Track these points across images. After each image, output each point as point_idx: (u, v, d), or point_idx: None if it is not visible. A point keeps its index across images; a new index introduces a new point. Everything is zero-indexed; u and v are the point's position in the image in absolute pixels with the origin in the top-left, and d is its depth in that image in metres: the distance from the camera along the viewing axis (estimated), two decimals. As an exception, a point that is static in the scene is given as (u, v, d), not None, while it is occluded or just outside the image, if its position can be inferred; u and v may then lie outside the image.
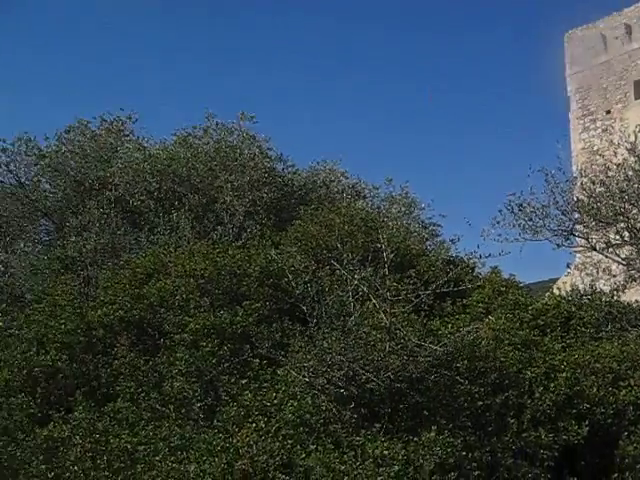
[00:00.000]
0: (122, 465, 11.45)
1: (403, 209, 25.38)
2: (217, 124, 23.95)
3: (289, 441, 12.03)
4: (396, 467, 11.81)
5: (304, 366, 13.31)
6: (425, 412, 13.33)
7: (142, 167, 22.37)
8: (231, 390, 13.69)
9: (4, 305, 19.84)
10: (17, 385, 14.73)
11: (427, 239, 24.52)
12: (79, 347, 15.34)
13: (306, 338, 14.49)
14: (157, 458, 11.52)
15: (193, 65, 52.11)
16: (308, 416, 12.75)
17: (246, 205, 21.27)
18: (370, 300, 14.35)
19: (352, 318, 14.13)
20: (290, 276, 15.79)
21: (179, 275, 16.15)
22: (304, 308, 15.41)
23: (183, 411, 13.49)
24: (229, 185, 21.67)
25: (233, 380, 13.90)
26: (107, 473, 11.26)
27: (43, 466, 11.71)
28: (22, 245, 22.44)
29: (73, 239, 20.32)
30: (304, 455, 11.90)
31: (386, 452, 12.05)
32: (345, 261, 15.14)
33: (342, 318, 14.37)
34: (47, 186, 23.95)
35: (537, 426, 13.66)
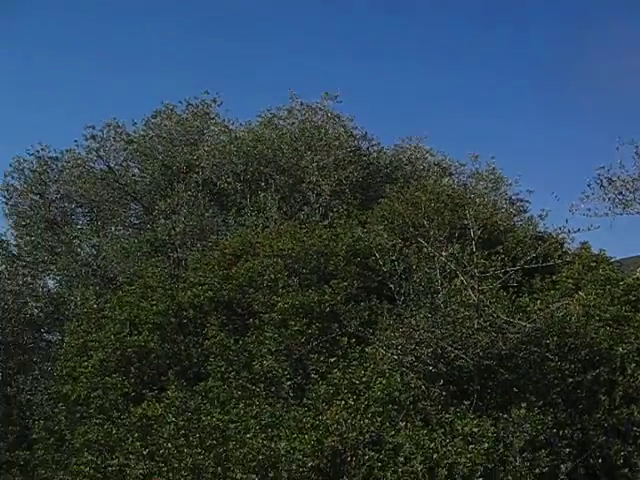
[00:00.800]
0: (214, 442, 11.62)
1: (490, 185, 25.04)
2: (301, 104, 23.93)
3: (378, 418, 12.06)
4: (486, 444, 11.74)
5: (392, 344, 13.30)
6: (514, 389, 13.21)
7: (228, 149, 22.55)
8: (320, 368, 13.76)
9: (97, 287, 20.30)
10: (111, 365, 15.07)
11: (515, 215, 24.13)
12: (170, 327, 15.61)
13: (394, 316, 14.48)
14: (248, 436, 11.65)
15: (276, 45, 52.07)
16: (397, 393, 12.75)
17: (332, 185, 21.25)
18: (458, 277, 14.25)
19: (440, 295, 14.07)
20: (377, 254, 15.78)
21: (267, 255, 16.26)
22: (391, 286, 15.41)
23: (273, 389, 13.61)
24: (315, 165, 21.68)
25: (322, 358, 13.96)
26: (200, 450, 11.44)
27: (138, 443, 11.97)
28: (113, 229, 22.93)
29: (162, 222, 20.65)
30: (393, 432, 11.91)
31: (476, 429, 11.99)
32: (432, 238, 15.06)
33: (430, 295, 14.32)
34: (136, 170, 24.33)
35: (629, 403, 13.41)
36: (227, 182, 21.87)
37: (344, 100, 24.11)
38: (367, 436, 11.61)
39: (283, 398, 13.31)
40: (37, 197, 24.12)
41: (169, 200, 21.36)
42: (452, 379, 13.23)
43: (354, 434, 11.52)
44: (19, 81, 48.17)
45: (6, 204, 24.13)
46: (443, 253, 14.48)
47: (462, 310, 13.41)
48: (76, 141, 23.82)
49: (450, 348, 13.05)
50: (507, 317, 13.40)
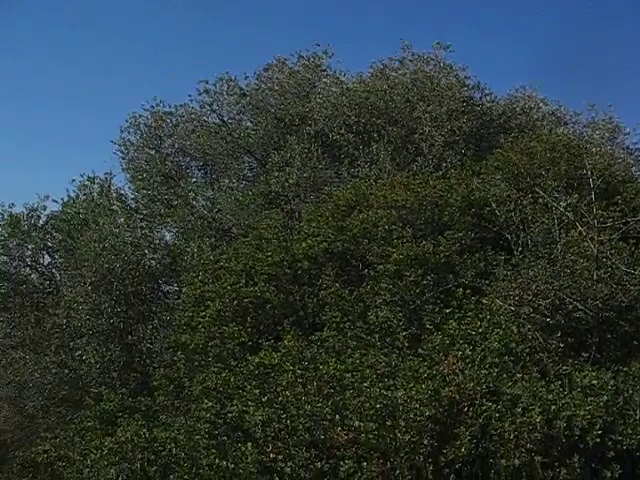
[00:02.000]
0: (331, 391, 11.75)
1: (607, 135, 24.44)
2: (413, 55, 23.66)
3: (495, 369, 12.00)
4: (605, 397, 11.58)
5: (509, 294, 13.20)
6: (635, 342, 12.97)
7: (340, 101, 22.48)
8: (435, 319, 13.76)
9: (212, 239, 20.63)
10: (228, 315, 15.33)
11: (633, 165, 23.56)
12: (285, 278, 15.78)
13: (510, 267, 14.35)
14: (365, 384, 11.74)
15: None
16: (514, 345, 12.67)
17: (445, 135, 21.04)
18: (576, 228, 14.01)
19: (558, 246, 13.86)
20: (493, 205, 15.60)
21: (381, 206, 16.24)
22: (508, 237, 15.24)
23: (388, 340, 13.65)
24: (427, 116, 21.48)
25: (437, 309, 13.96)
26: (317, 398, 11.58)
27: (257, 391, 12.16)
28: (227, 182, 23.18)
29: (276, 174, 20.78)
30: (510, 383, 11.84)
31: (595, 382, 11.84)
32: (549, 188, 14.79)
33: (547, 246, 14.10)
34: (249, 124, 24.45)
35: None
36: (339, 134, 21.83)
37: (456, 49, 23.82)
38: (484, 387, 11.57)
39: (398, 348, 13.34)
40: (153, 152, 24.54)
41: (282, 152, 21.46)
42: (570, 331, 13.06)
43: (471, 384, 11.50)
44: (132, 36, 49.01)
45: (123, 159, 24.64)
46: (561, 203, 14.26)
47: (581, 261, 13.21)
48: (190, 95, 24.14)
49: (568, 299, 12.89)
50: (627, 268, 13.13)
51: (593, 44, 40.54)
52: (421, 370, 12.05)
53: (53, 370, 20.38)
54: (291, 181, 20.26)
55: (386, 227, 15.65)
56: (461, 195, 16.27)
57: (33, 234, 22.83)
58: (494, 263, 14.82)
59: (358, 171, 20.15)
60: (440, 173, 18.79)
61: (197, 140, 23.97)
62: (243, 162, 24.60)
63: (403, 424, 10.95)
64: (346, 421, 11.16)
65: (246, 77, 24.21)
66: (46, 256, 23.26)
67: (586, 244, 13.48)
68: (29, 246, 22.99)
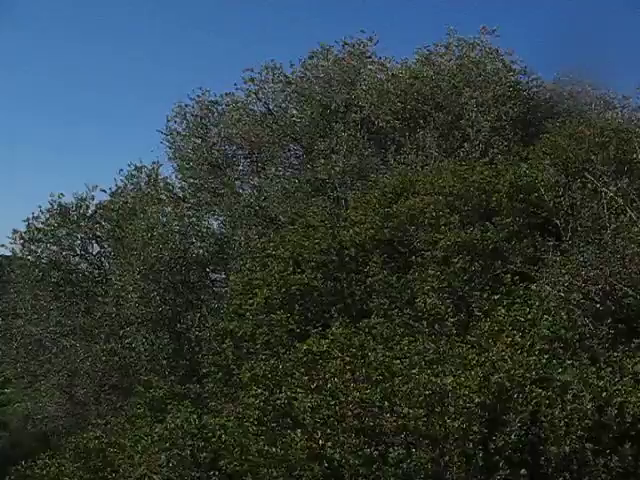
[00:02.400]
0: (380, 377, 11.73)
1: (657, 118, 24.07)
2: (459, 40, 23.50)
3: (544, 356, 11.91)
4: (657, 384, 11.44)
5: (558, 281, 13.09)
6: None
7: (386, 88, 22.42)
8: (483, 306, 13.70)
9: (259, 227, 20.72)
10: (276, 303, 15.38)
11: (684, 149, 23.19)
12: (332, 266, 15.80)
13: (559, 253, 14.22)
14: (414, 371, 11.70)
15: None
16: (563, 331, 12.57)
17: (491, 121, 20.89)
18: (625, 213, 13.85)
19: (607, 231, 13.72)
20: (542, 190, 15.47)
21: (427, 193, 16.19)
22: (557, 222, 15.11)
23: (436, 327, 13.62)
24: (473, 101, 21.34)
25: (485, 296, 13.89)
26: (366, 385, 11.58)
27: (305, 378, 12.18)
28: (273, 170, 23.23)
29: (322, 162, 20.80)
30: (560, 370, 11.73)
31: (646, 368, 11.70)
32: (598, 173, 14.64)
33: (597, 232, 13.97)
34: (294, 111, 24.47)
35: None
36: (385, 120, 21.77)
37: (502, 34, 23.61)
38: (533, 373, 11.47)
39: (446, 335, 13.29)
40: (199, 140, 24.69)
41: (328, 140, 21.48)
42: (620, 317, 12.92)
43: (521, 371, 11.41)
44: (182, 23, 49.12)
45: (170, 148, 24.86)
46: (611, 188, 14.10)
47: (631, 246, 13.05)
48: (235, 84, 24.26)
49: (619, 285, 12.74)
50: (679, 254, 12.97)
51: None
52: (470, 357, 12.00)
53: (103, 358, 20.63)
54: (337, 168, 20.26)
55: (433, 214, 15.59)
56: (509, 181, 16.16)
57: (82, 224, 23.10)
58: (543, 249, 14.71)
59: (404, 158, 20.09)
60: (487, 159, 18.67)
61: (243, 128, 24.04)
62: (289, 150, 24.64)
63: (452, 411, 10.90)
64: (395, 408, 11.13)
65: (291, 65, 24.28)
66: (95, 245, 23.54)
67: (636, 229, 13.33)
68: (78, 235, 23.27)
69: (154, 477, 12.06)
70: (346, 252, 15.86)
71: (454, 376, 11.53)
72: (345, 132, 21.29)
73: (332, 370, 12.13)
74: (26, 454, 14.87)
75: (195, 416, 12.75)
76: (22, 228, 22.95)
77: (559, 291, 13.05)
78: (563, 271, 13.14)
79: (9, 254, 24.19)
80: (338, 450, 10.94)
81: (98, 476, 13.20)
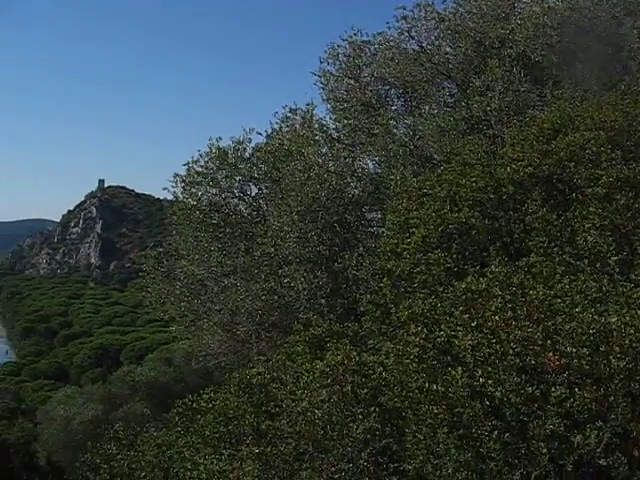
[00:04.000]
0: (542, 316, 11.62)
1: None
2: (619, -32, 22.61)
3: None
4: None
5: None
6: None
7: (541, 21, 21.81)
8: (648, 243, 13.34)
9: (415, 167, 20.69)
10: (433, 241, 15.37)
11: None
12: (490, 204, 15.63)
13: None
14: (577, 310, 11.54)
15: None
16: None
17: (655, 51, 20.13)
18: None
19: None
20: None
21: (588, 128, 15.76)
22: None
23: (598, 265, 13.34)
24: (635, 32, 20.56)
25: (650, 233, 13.51)
26: (527, 323, 11.49)
27: (465, 316, 12.18)
28: (427, 108, 23.08)
29: (477, 99, 20.53)
30: None
31: None
32: None
33: None
34: (448, 49, 24.18)
35: None
36: (542, 55, 21.23)
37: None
38: None
39: (609, 274, 13.01)
40: (352, 81, 24.75)
41: (483, 77, 21.14)
42: None
43: (689, 310, 11.11)
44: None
45: (323, 89, 25.02)
46: None
47: None
48: (388, 23, 24.12)
49: None
50: None
51: None
52: (635, 296, 11.71)
53: (263, 297, 21.18)
54: (493, 105, 19.96)
55: (594, 149, 15.18)
56: (675, 113, 15.57)
57: (240, 166, 23.65)
58: None
59: (562, 93, 19.57)
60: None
61: (396, 68, 23.92)
62: (443, 88, 24.36)
63: (618, 350, 10.71)
64: (558, 346, 11.02)
65: (443, 1, 23.99)
66: (253, 187, 24.08)
67: None
68: (236, 178, 23.86)
69: (316, 412, 12.38)
70: (504, 190, 15.65)
71: (619, 315, 11.30)
72: (500, 68, 20.89)
73: (492, 308, 12.07)
74: (190, 389, 15.52)
75: (355, 353, 12.98)
76: (183, 172, 23.71)
77: None
78: None
79: (171, 198, 25.04)
80: (499, 388, 10.93)
81: (261, 410, 13.65)
